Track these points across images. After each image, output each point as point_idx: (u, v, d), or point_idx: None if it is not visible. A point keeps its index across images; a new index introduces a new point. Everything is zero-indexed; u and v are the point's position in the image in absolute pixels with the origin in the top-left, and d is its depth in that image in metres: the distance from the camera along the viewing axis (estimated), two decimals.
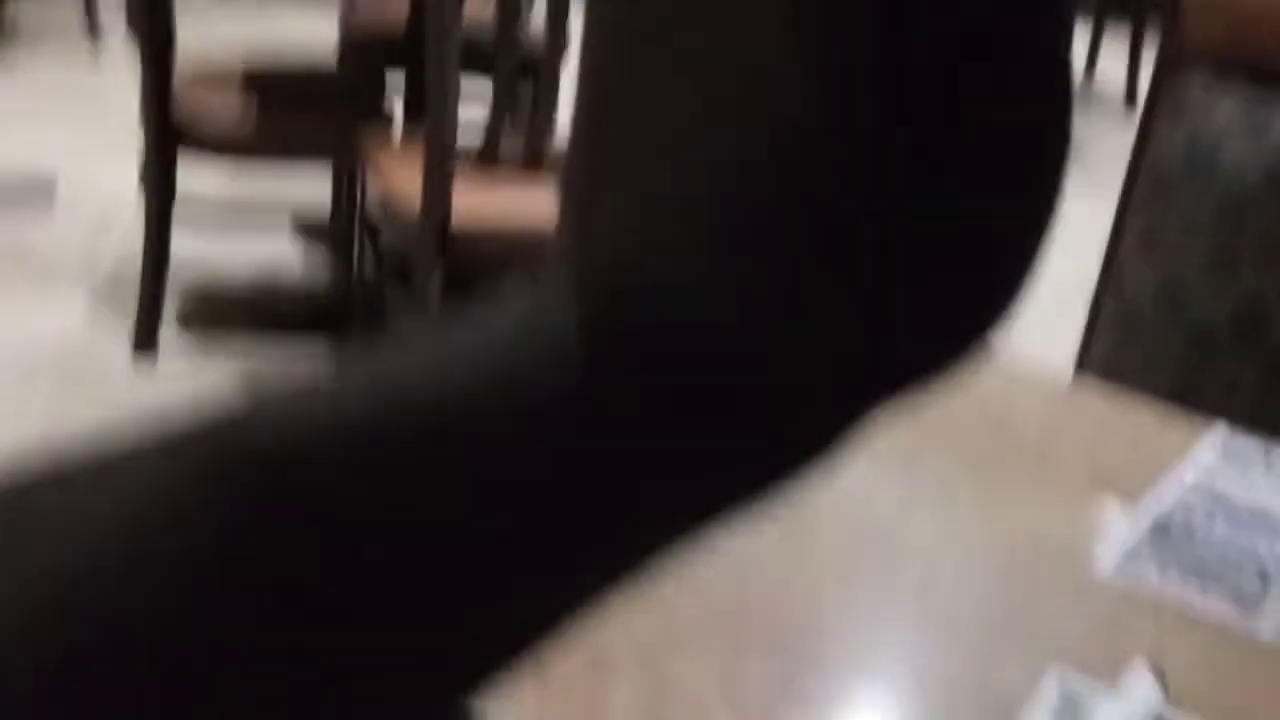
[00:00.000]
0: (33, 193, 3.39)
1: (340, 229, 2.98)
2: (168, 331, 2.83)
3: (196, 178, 2.87)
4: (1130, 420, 1.27)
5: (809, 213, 0.23)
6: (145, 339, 2.80)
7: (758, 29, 0.23)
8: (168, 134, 2.65)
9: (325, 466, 0.23)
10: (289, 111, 2.71)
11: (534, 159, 2.38)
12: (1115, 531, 1.10)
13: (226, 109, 2.67)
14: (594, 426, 0.24)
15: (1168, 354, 1.68)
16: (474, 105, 2.37)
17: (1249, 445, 1.24)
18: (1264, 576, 1.07)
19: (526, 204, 2.40)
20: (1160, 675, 0.89)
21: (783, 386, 0.24)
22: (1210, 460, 1.21)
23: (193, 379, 2.74)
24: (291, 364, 2.85)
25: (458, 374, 0.24)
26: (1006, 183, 0.24)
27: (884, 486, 1.23)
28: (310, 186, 3.13)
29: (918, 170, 0.23)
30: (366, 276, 2.71)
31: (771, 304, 0.23)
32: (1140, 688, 0.88)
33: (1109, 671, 0.93)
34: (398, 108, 2.86)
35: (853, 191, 0.23)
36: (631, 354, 0.24)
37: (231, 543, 0.22)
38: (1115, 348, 1.72)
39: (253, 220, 3.10)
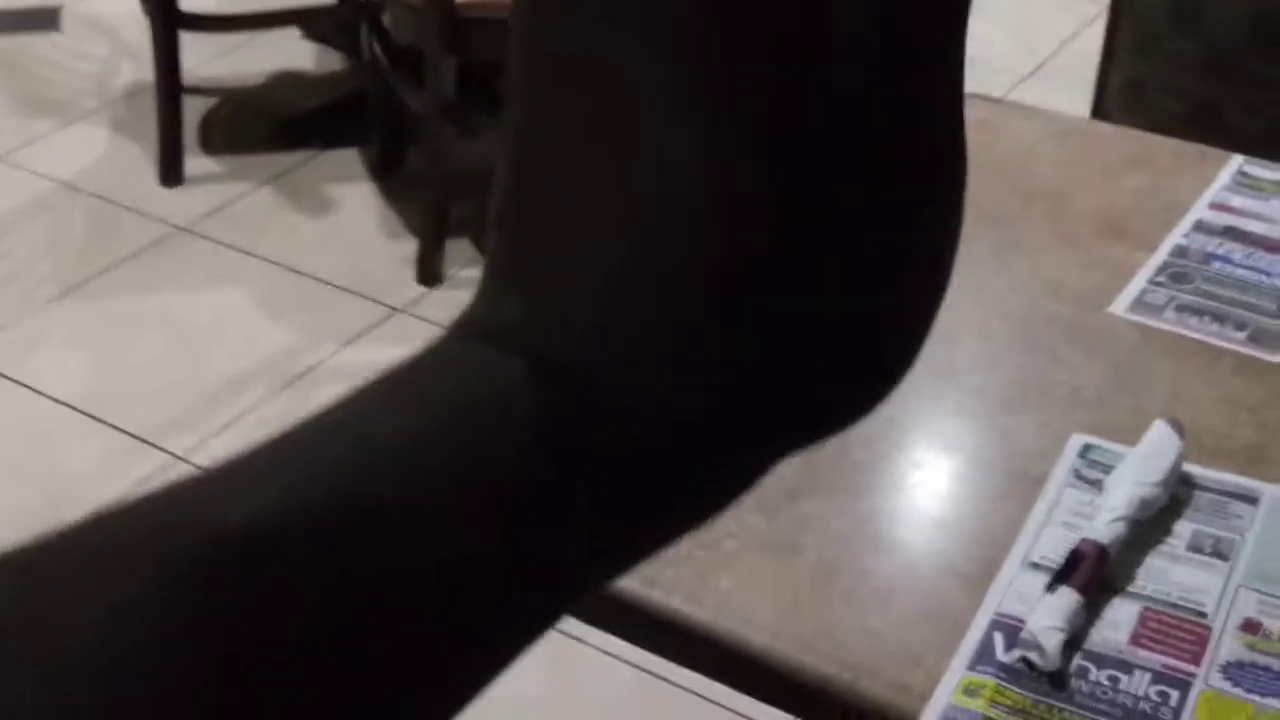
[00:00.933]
0: (38, 17, 3.37)
1: (349, 30, 2.95)
2: (191, 158, 2.84)
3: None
4: (1146, 159, 1.27)
5: (718, 314, 0.26)
6: (171, 172, 2.81)
7: (676, 162, 0.26)
8: None
9: (285, 557, 0.25)
10: None
11: None
12: (1131, 275, 1.12)
13: None
14: (546, 490, 0.26)
15: (1187, 74, 1.66)
16: None
17: (1266, 172, 1.24)
18: None
19: None
20: (1179, 427, 0.93)
21: (705, 451, 0.27)
22: (1225, 195, 1.21)
23: (224, 201, 2.77)
24: (318, 172, 2.86)
25: (422, 458, 0.26)
26: (894, 279, 0.27)
27: None
28: None
29: (811, 278, 0.26)
30: (382, 72, 2.69)
31: (690, 385, 0.27)
32: (1160, 442, 0.92)
33: (1130, 425, 0.96)
34: None
35: (755, 297, 0.26)
36: (579, 435, 0.27)
37: (200, 643, 0.24)
38: (1133, 75, 1.70)
39: (262, 31, 3.07)
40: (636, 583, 0.87)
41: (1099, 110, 1.75)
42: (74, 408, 2.30)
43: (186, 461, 2.19)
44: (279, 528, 0.25)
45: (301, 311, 2.51)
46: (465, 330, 0.28)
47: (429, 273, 2.56)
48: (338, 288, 2.56)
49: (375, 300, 2.52)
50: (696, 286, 0.26)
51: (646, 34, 0.26)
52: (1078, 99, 1.79)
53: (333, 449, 0.27)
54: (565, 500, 0.27)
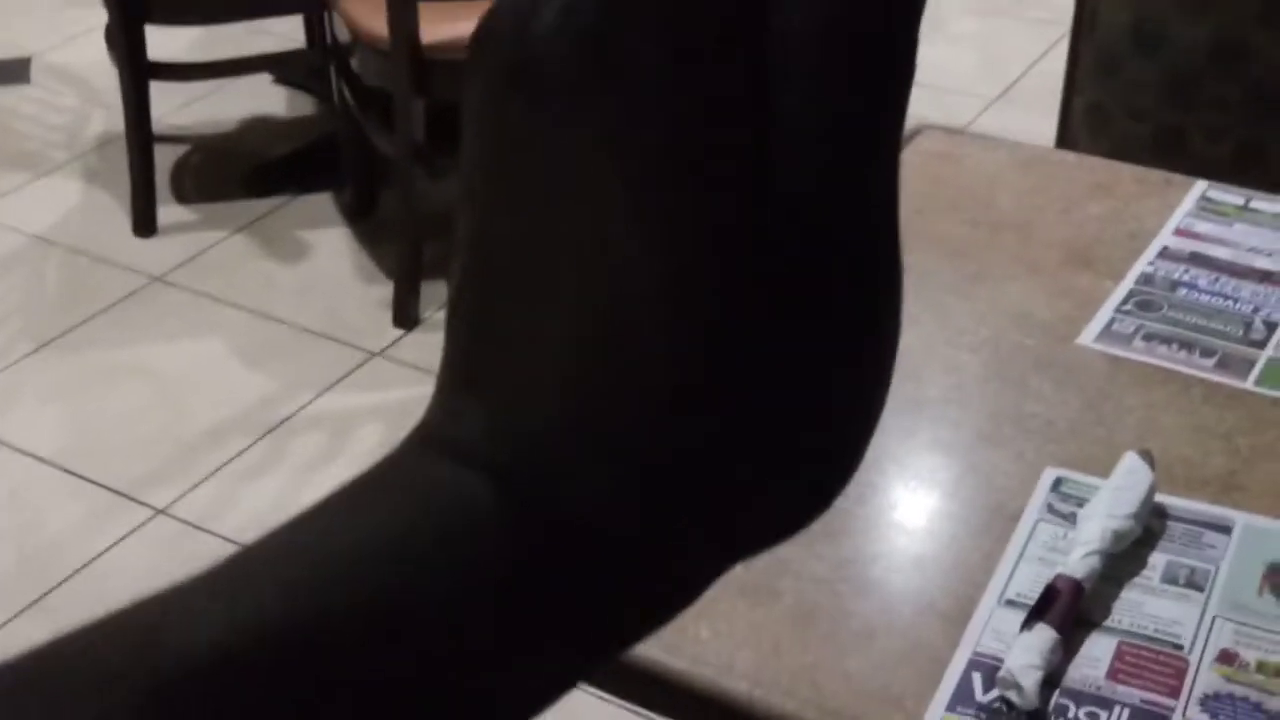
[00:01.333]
0: (7, 70, 3.37)
1: (319, 75, 2.96)
2: (164, 207, 2.84)
3: (169, 44, 2.85)
4: (1110, 187, 1.28)
5: (673, 418, 0.27)
6: (144, 221, 2.81)
7: (632, 264, 0.26)
8: (130, 8, 2.62)
9: (256, 676, 0.26)
10: None
11: None
12: (1099, 304, 1.13)
13: None
14: (508, 601, 0.27)
15: (1149, 97, 1.67)
16: None
17: (1229, 197, 1.25)
18: (1247, 324, 1.10)
19: None
20: (1149, 458, 0.93)
21: (663, 555, 0.28)
22: (1189, 221, 1.22)
23: (198, 249, 2.76)
24: (290, 220, 2.86)
25: (388, 568, 0.27)
26: (841, 378, 0.28)
27: None
28: (286, 30, 3.09)
29: (764, 379, 0.27)
30: (352, 116, 2.70)
31: (648, 489, 0.27)
32: (1131, 475, 0.92)
33: (1102, 457, 0.96)
34: None
35: (710, 399, 0.27)
36: (539, 546, 0.27)
37: None
38: (1096, 100, 1.71)
39: (232, 78, 3.07)
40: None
41: (1064, 134, 1.76)
42: (52, 463, 2.29)
43: (168, 515, 2.19)
44: (249, 646, 0.26)
45: (279, 359, 2.50)
46: (424, 441, 0.29)
47: (405, 315, 2.56)
48: (314, 333, 2.56)
49: (352, 345, 2.52)
50: (652, 389, 0.27)
51: (604, 139, 0.26)
52: (1047, 120, 1.80)
53: (297, 566, 0.27)
54: (527, 611, 0.27)
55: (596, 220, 0.26)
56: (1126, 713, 0.81)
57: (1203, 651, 0.84)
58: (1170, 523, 0.93)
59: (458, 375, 0.29)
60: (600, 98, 0.26)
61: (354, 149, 2.78)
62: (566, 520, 0.27)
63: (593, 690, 0.91)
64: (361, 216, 2.85)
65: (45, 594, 2.06)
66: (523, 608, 0.27)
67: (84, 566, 2.10)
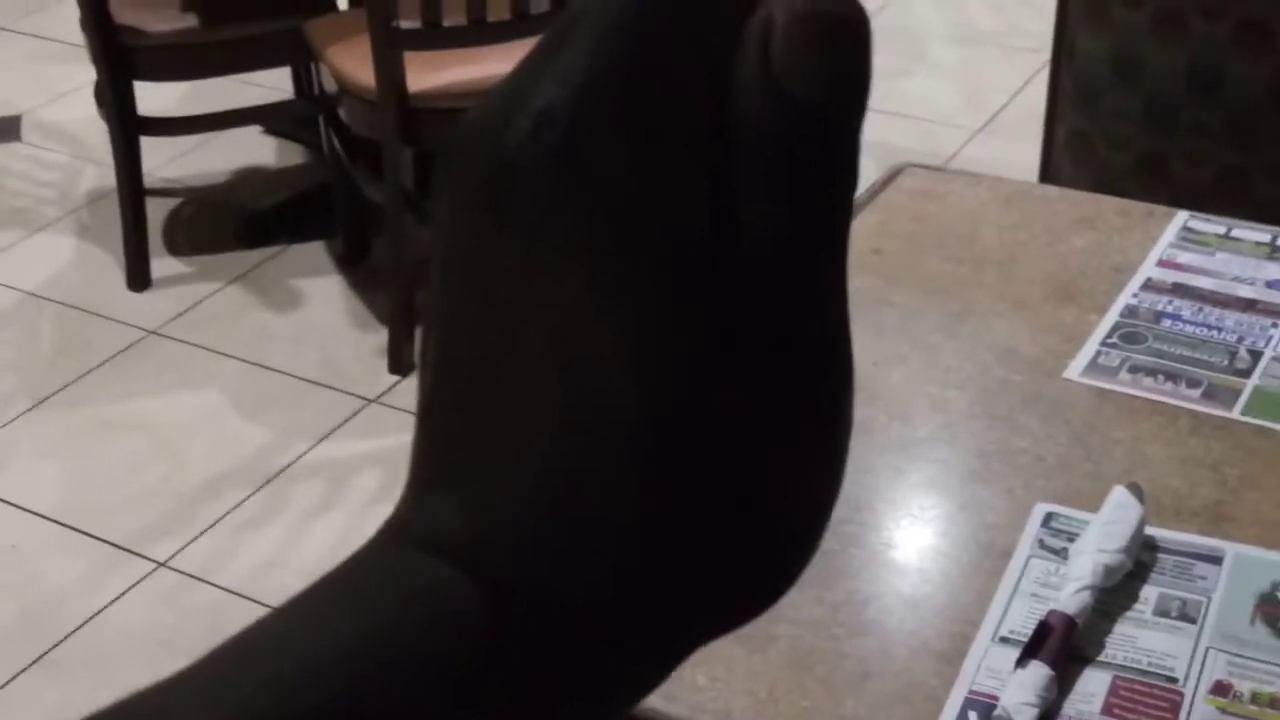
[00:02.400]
0: None
1: (308, 124, 2.98)
2: (158, 260, 2.85)
3: (158, 98, 2.87)
4: (1093, 220, 1.29)
5: (643, 507, 0.28)
6: (137, 275, 2.82)
7: (599, 360, 0.27)
8: (116, 64, 2.64)
9: None
10: (234, 20, 2.69)
11: (478, 25, 2.37)
12: (1084, 337, 1.14)
13: (170, 26, 2.65)
14: (488, 689, 0.28)
15: (1129, 126, 1.69)
16: None
17: (1210, 226, 1.26)
18: (1232, 354, 1.11)
19: (479, 73, 2.39)
20: (1138, 491, 0.94)
21: (633, 640, 0.29)
22: (1172, 252, 1.23)
23: (193, 302, 2.78)
24: (285, 271, 2.87)
25: (378, 665, 0.28)
26: (806, 459, 0.29)
27: (854, 331, 1.26)
28: (274, 81, 3.11)
29: (730, 465, 0.28)
30: (342, 166, 2.72)
31: (619, 577, 0.28)
32: (1121, 509, 0.93)
33: (1092, 491, 0.97)
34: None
35: (680, 487, 0.28)
36: (515, 636, 0.28)
37: None
38: (1078, 129, 1.73)
39: (221, 131, 3.09)
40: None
41: (1047, 164, 1.78)
42: (51, 519, 2.30)
43: (169, 568, 2.19)
44: None
45: (275, 409, 2.51)
46: (398, 535, 0.30)
47: (400, 361, 2.57)
48: (310, 382, 2.56)
49: (348, 392, 2.53)
50: (622, 479, 0.28)
51: (572, 247, 0.27)
52: (1030, 150, 1.82)
53: (279, 664, 0.28)
54: (510, 697, 0.28)
55: (566, 321, 0.28)
56: None
57: (1197, 684, 0.85)
58: (1161, 555, 0.94)
59: (431, 469, 0.30)
60: (570, 208, 0.27)
61: (345, 197, 2.80)
62: (542, 603, 0.28)
63: None
64: (354, 264, 2.87)
65: (48, 650, 2.06)
66: (506, 693, 0.28)
67: (86, 622, 2.11)
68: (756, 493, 0.28)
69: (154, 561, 2.20)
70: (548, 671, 0.28)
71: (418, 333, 2.55)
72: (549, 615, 0.28)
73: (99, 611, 2.12)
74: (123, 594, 2.15)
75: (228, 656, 0.28)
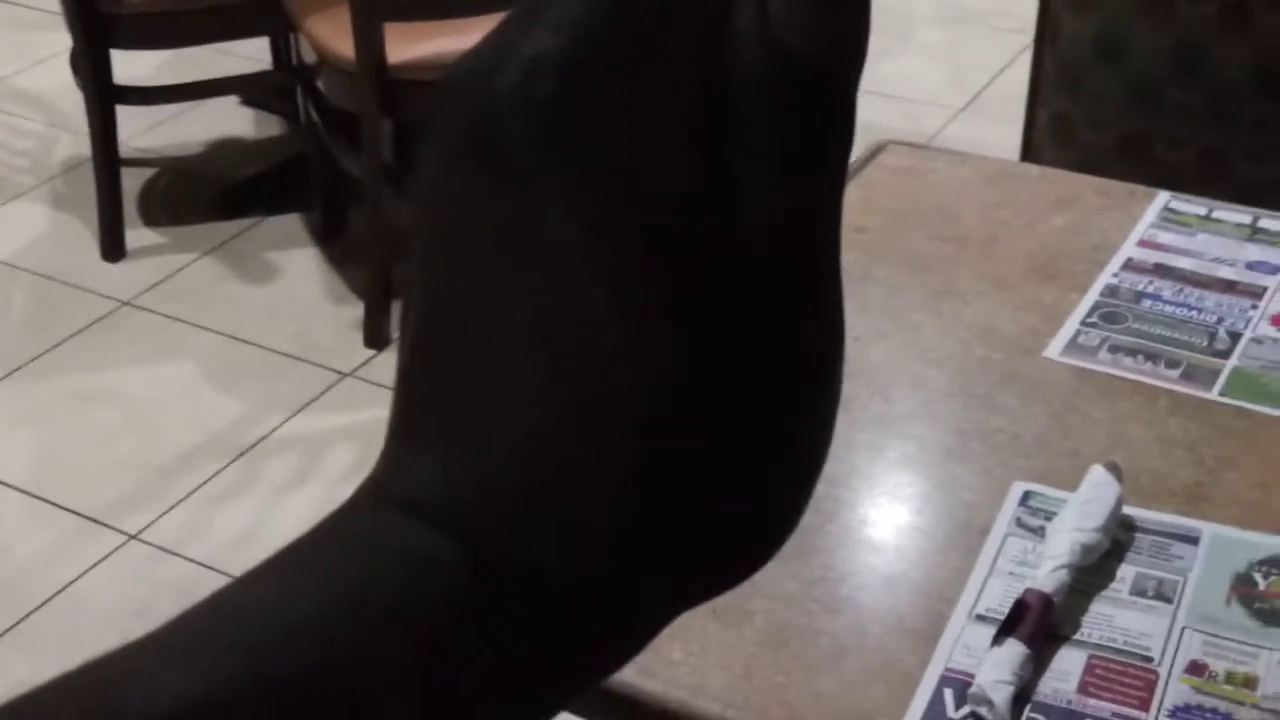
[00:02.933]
0: None
1: (286, 95, 2.95)
2: (133, 230, 2.83)
3: (134, 67, 2.84)
4: (1074, 199, 1.29)
5: (630, 473, 0.27)
6: (112, 246, 2.80)
7: (591, 321, 0.27)
8: (93, 32, 2.61)
9: None
10: None
11: None
12: (1064, 316, 1.13)
13: None
14: (465, 652, 0.27)
15: (1112, 108, 1.69)
16: None
17: (1191, 207, 1.26)
18: (1212, 335, 1.11)
19: (460, 44, 2.37)
20: (1117, 471, 0.94)
21: (612, 608, 0.28)
22: (1153, 232, 1.23)
23: (168, 273, 2.76)
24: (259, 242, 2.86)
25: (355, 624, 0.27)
26: (787, 439, 0.28)
27: None
28: (252, 51, 3.09)
29: (717, 435, 0.27)
30: (320, 137, 2.70)
31: (600, 544, 0.28)
32: (1098, 488, 0.92)
33: (1070, 469, 0.97)
34: None
35: (665, 456, 0.27)
36: (495, 599, 0.27)
37: None
38: (1060, 110, 1.72)
39: (199, 101, 3.06)
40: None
41: (1029, 145, 1.77)
42: (22, 490, 2.28)
43: (140, 540, 2.18)
44: (205, 708, 0.26)
45: (250, 381, 2.50)
46: (376, 495, 0.29)
47: (376, 335, 2.55)
48: (285, 355, 2.55)
49: (323, 366, 2.51)
50: (611, 445, 0.27)
51: (564, 203, 0.27)
52: (1013, 130, 1.81)
53: (253, 626, 0.27)
54: (488, 662, 0.27)
55: (556, 280, 0.27)
56: None
57: (1172, 663, 0.85)
58: (1138, 535, 0.93)
59: (413, 429, 0.29)
60: (561, 164, 0.26)
61: (322, 169, 2.78)
62: (523, 569, 0.27)
63: (564, 713, 0.91)
64: (331, 237, 2.85)
65: (18, 622, 2.05)
66: (483, 658, 0.27)
67: (56, 594, 2.09)
68: (745, 463, 0.28)
69: (125, 534, 2.19)
70: (525, 638, 0.28)
71: (394, 307, 2.55)
72: (527, 581, 0.27)
73: (69, 584, 2.11)
74: (93, 566, 2.14)
75: (200, 618, 0.28)
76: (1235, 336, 1.10)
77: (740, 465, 0.28)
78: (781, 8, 0.26)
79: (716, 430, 0.27)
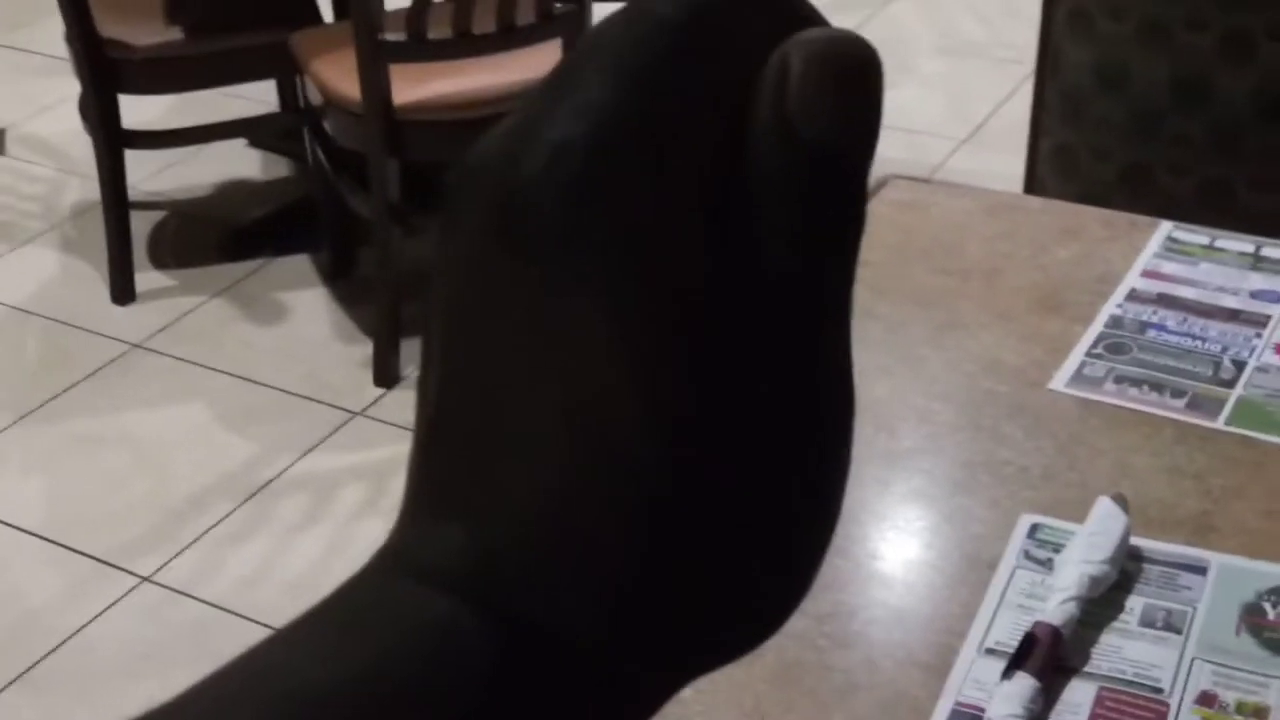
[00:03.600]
0: None
1: (293, 137, 2.97)
2: (142, 274, 2.84)
3: (142, 111, 2.86)
4: (1077, 230, 1.29)
5: (651, 543, 0.28)
6: (122, 289, 2.82)
7: (611, 394, 0.27)
8: (101, 78, 2.63)
9: None
10: (219, 33, 2.68)
11: (464, 38, 2.37)
12: (1069, 348, 1.14)
13: (155, 40, 2.65)
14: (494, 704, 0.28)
15: (1114, 137, 1.69)
16: None
17: (1194, 237, 1.27)
18: (1216, 364, 1.11)
19: (465, 85, 2.40)
20: (1123, 502, 0.94)
21: (635, 673, 0.29)
22: (1156, 262, 1.23)
23: (178, 315, 2.77)
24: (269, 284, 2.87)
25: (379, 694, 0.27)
26: (805, 499, 0.29)
27: None
28: (259, 94, 3.11)
29: (740, 501, 0.28)
30: (327, 178, 2.71)
31: (623, 612, 0.28)
32: (1106, 519, 0.93)
33: (1077, 501, 0.97)
34: (327, 10, 2.83)
35: (678, 518, 0.28)
36: (514, 666, 0.28)
37: None
38: (1062, 141, 1.73)
39: (206, 144, 3.08)
40: None
41: (1031, 176, 1.78)
42: (34, 534, 2.29)
43: (153, 582, 2.18)
44: None
45: (260, 422, 2.50)
46: (393, 566, 0.29)
47: (385, 374, 2.56)
48: (295, 395, 2.56)
49: (333, 405, 2.52)
50: (633, 514, 0.28)
51: (588, 283, 0.27)
52: (1016, 160, 1.82)
53: (271, 696, 0.27)
54: None
55: (578, 357, 0.27)
56: None
57: (1182, 694, 0.85)
58: (1146, 565, 0.93)
59: (434, 500, 0.29)
60: (585, 246, 0.27)
61: (330, 210, 2.79)
62: (543, 636, 0.28)
63: None
64: (339, 277, 2.86)
65: (31, 667, 2.05)
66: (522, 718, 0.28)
67: (69, 638, 2.10)
68: (763, 533, 0.29)
69: (138, 576, 2.19)
70: (549, 705, 0.28)
71: (403, 345, 2.56)
72: (551, 649, 0.28)
73: (82, 627, 2.11)
74: (106, 609, 2.14)
75: (222, 685, 0.28)
76: (1240, 366, 1.11)
77: (758, 536, 0.29)
78: (799, 96, 0.27)
79: (735, 503, 0.28)
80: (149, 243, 3.00)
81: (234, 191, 3.18)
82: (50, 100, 3.48)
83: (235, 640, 0.29)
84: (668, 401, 0.27)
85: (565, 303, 0.27)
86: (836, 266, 0.28)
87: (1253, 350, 1.12)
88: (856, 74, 0.27)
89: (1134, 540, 0.94)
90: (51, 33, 2.96)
